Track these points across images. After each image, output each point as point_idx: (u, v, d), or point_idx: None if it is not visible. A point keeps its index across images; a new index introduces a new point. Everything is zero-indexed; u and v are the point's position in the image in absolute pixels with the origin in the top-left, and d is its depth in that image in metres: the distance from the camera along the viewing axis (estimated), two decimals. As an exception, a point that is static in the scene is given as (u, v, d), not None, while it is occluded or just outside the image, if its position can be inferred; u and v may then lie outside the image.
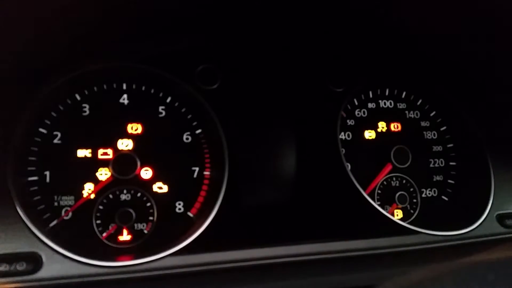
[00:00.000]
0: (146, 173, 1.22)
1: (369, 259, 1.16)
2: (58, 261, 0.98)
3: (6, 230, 0.99)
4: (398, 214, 1.41)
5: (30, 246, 0.98)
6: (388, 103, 1.50)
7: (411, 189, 1.45)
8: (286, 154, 1.35)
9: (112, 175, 1.18)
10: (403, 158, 1.44)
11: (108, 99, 1.23)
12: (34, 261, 0.97)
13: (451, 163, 1.50)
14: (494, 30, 1.08)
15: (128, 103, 1.25)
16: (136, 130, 1.24)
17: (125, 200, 1.19)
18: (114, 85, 1.24)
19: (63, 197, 1.14)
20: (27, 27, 0.92)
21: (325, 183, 1.32)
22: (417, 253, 1.21)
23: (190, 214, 1.23)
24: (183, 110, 1.29)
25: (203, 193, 1.25)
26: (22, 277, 0.94)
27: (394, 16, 1.21)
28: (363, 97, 1.46)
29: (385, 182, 1.42)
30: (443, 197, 1.47)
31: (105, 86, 1.24)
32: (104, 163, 1.19)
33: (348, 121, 1.43)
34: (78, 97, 1.21)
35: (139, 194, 1.20)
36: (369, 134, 1.44)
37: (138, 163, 1.20)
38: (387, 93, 1.50)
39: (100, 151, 1.19)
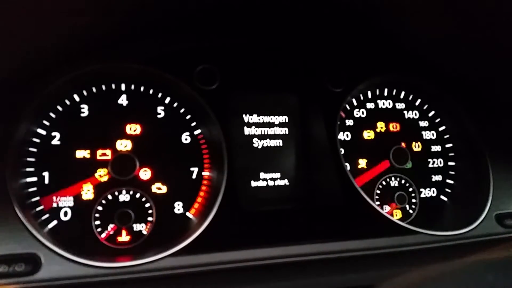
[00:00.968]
0: (145, 173, 1.22)
1: (368, 259, 1.16)
2: (57, 262, 0.98)
3: (5, 231, 0.99)
4: (397, 214, 1.41)
5: (28, 247, 0.98)
6: (387, 103, 1.50)
7: (410, 189, 1.45)
8: (285, 154, 1.36)
9: (111, 175, 1.18)
10: (402, 158, 1.44)
11: (107, 99, 1.23)
12: (33, 262, 0.96)
13: (450, 163, 1.50)
14: (493, 33, 1.08)
15: (127, 104, 1.25)
16: (135, 130, 1.24)
17: (124, 200, 1.19)
18: (113, 86, 1.24)
19: (62, 198, 1.14)
20: (27, 28, 0.91)
21: (325, 183, 1.32)
22: (416, 253, 1.21)
23: (189, 214, 1.23)
24: (182, 110, 1.29)
25: (202, 193, 1.25)
26: (21, 278, 0.94)
27: (393, 18, 1.21)
28: (362, 97, 1.47)
29: (384, 182, 1.43)
30: (442, 197, 1.47)
31: (103, 87, 1.23)
32: (103, 164, 1.19)
33: (347, 121, 1.43)
34: (76, 98, 1.21)
35: (138, 195, 1.20)
36: (368, 134, 1.44)
37: (137, 164, 1.20)
38: (385, 93, 1.50)
39: (99, 151, 1.19)
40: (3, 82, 1.04)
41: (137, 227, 1.19)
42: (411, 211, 1.43)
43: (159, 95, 1.28)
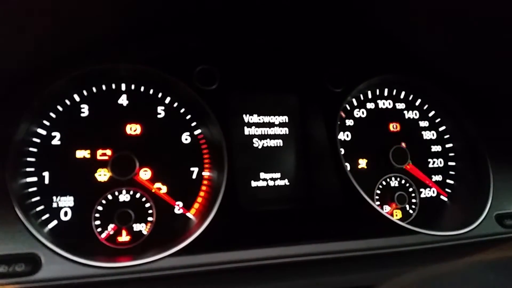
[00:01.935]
0: (145, 173, 1.22)
1: (368, 259, 1.16)
2: (57, 262, 0.97)
3: (5, 231, 0.98)
4: (397, 214, 1.41)
5: (29, 247, 0.98)
6: (387, 103, 1.50)
7: (410, 189, 1.45)
8: (285, 154, 1.36)
9: (111, 175, 1.18)
10: (402, 158, 1.44)
11: (107, 99, 1.23)
12: (33, 262, 0.96)
13: (450, 163, 1.50)
14: (493, 34, 1.08)
15: (127, 104, 1.25)
16: (135, 130, 1.24)
17: (124, 200, 1.19)
18: (113, 86, 1.24)
19: (62, 198, 1.14)
20: (27, 28, 0.91)
21: (325, 184, 1.32)
22: (416, 253, 1.21)
23: (189, 214, 1.23)
24: (182, 110, 1.29)
25: (202, 193, 1.25)
26: (21, 278, 0.94)
27: (393, 17, 1.21)
28: (362, 98, 1.47)
29: (384, 182, 1.42)
30: (442, 197, 1.47)
31: (104, 87, 1.23)
32: (103, 164, 1.18)
33: (347, 121, 1.43)
34: (77, 98, 1.21)
35: (138, 195, 1.20)
36: (368, 134, 1.44)
37: (137, 164, 1.20)
38: (386, 93, 1.50)
39: (99, 152, 1.19)
40: (3, 82, 1.04)
41: (137, 227, 1.19)
42: (411, 211, 1.43)
43: (159, 95, 1.28)
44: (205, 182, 1.26)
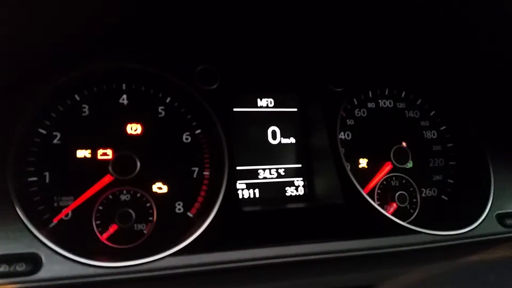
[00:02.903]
0: (145, 173, 1.22)
1: (369, 259, 1.16)
2: (58, 262, 0.98)
3: (6, 231, 0.99)
4: (398, 214, 1.41)
5: (29, 247, 0.98)
6: (387, 103, 1.50)
7: (411, 189, 1.45)
8: (285, 153, 1.36)
9: (111, 175, 1.18)
10: (403, 157, 1.44)
11: (107, 99, 1.23)
12: (34, 262, 0.96)
13: (450, 163, 1.50)
14: (495, 29, 1.08)
15: (127, 104, 1.25)
16: (135, 130, 1.24)
17: (124, 200, 1.19)
18: (114, 86, 1.24)
19: (63, 198, 1.14)
20: (27, 28, 0.91)
21: (325, 183, 1.32)
22: (417, 253, 1.21)
23: (189, 214, 1.23)
24: (183, 110, 1.29)
25: (202, 193, 1.25)
26: (22, 277, 0.94)
27: (393, 15, 1.21)
28: (362, 97, 1.47)
29: (385, 182, 1.42)
30: (443, 196, 1.47)
31: (104, 87, 1.23)
32: (104, 164, 1.19)
33: (348, 121, 1.43)
34: (77, 98, 1.21)
35: (138, 195, 1.20)
36: (369, 134, 1.44)
37: (138, 164, 1.20)
38: (386, 93, 1.50)
39: (100, 151, 1.19)
40: (4, 81, 1.04)
41: (137, 226, 1.19)
42: (412, 211, 1.43)
43: (160, 94, 1.28)
44: (205, 181, 1.26)
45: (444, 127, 1.52)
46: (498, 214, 1.33)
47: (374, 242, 1.19)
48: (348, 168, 1.31)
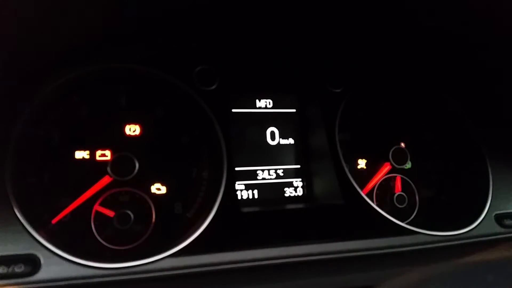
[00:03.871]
0: (144, 174, 1.21)
1: (368, 259, 1.16)
2: (56, 263, 0.97)
3: (4, 232, 0.98)
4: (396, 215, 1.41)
5: (28, 248, 0.98)
6: (386, 104, 1.50)
7: (410, 190, 1.45)
8: (285, 154, 1.36)
9: (110, 176, 1.18)
10: (402, 158, 1.44)
11: (106, 100, 1.23)
12: (32, 263, 0.96)
13: (449, 163, 1.50)
14: (495, 32, 1.08)
15: (126, 104, 1.25)
16: (134, 131, 1.23)
17: (123, 201, 1.19)
18: (112, 86, 1.24)
19: (62, 199, 1.14)
20: (26, 28, 0.91)
21: (324, 184, 1.32)
22: (416, 253, 1.21)
23: (188, 215, 1.23)
24: (181, 111, 1.29)
25: (201, 194, 1.25)
26: (20, 279, 0.94)
27: (393, 15, 1.21)
28: (361, 98, 1.46)
29: (383, 183, 1.42)
30: (442, 197, 1.47)
31: (103, 87, 1.23)
32: (102, 165, 1.18)
33: (346, 121, 1.43)
34: (76, 99, 1.20)
35: (137, 196, 1.20)
36: (368, 135, 1.44)
37: (136, 165, 1.20)
38: (385, 94, 1.50)
39: (98, 152, 1.19)
40: (2, 82, 1.04)
41: (136, 227, 1.18)
42: (410, 212, 1.43)
43: (158, 95, 1.27)
44: (204, 182, 1.26)
45: (442, 127, 1.52)
46: (496, 214, 1.34)
47: (373, 242, 1.19)
48: (347, 168, 1.31)
